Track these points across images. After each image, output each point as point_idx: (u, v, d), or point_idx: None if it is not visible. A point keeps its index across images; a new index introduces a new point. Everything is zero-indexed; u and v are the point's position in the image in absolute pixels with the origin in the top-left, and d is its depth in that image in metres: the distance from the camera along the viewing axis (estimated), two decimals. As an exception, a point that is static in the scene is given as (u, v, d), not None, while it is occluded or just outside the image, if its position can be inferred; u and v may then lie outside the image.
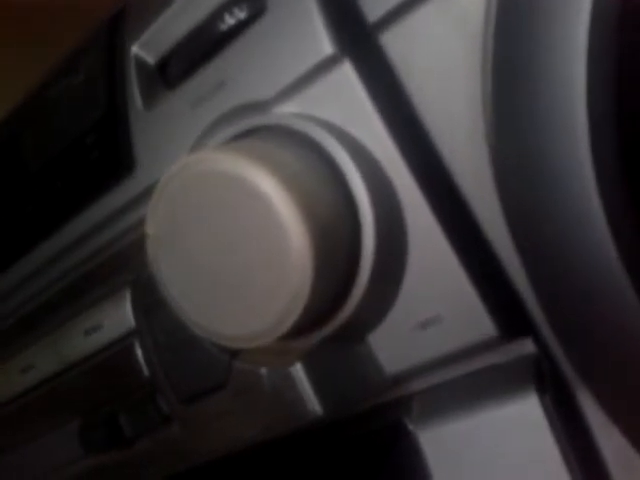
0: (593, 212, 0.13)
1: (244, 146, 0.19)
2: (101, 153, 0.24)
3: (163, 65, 0.23)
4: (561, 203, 0.14)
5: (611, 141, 0.13)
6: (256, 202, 0.17)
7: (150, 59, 0.23)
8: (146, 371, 0.22)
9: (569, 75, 0.13)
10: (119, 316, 0.23)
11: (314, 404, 0.19)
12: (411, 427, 0.20)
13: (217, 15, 0.22)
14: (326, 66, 0.19)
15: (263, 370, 0.20)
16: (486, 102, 0.16)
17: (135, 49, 0.23)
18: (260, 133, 0.20)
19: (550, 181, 0.14)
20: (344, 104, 0.19)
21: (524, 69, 0.14)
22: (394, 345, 0.20)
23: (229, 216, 0.17)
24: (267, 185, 0.17)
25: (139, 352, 0.22)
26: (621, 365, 0.15)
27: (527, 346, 0.19)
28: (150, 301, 0.22)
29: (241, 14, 0.21)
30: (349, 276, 0.18)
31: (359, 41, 0.18)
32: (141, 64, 0.23)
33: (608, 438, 0.17)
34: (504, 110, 0.15)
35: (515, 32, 0.14)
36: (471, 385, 0.20)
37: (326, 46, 0.19)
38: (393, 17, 0.17)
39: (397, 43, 0.18)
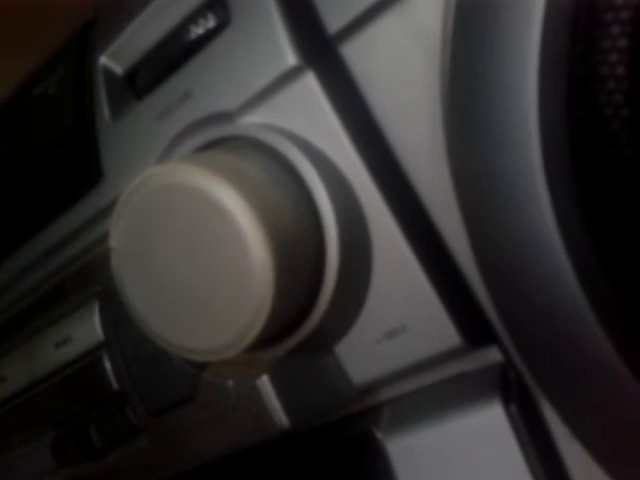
0: (546, 227, 0.13)
1: (207, 158, 0.18)
2: (70, 164, 0.24)
3: (131, 76, 0.23)
4: (514, 218, 0.14)
5: (564, 155, 0.13)
6: (217, 215, 0.17)
7: (118, 70, 0.23)
8: (115, 384, 0.22)
9: (521, 89, 0.13)
10: (88, 329, 0.23)
11: (281, 416, 0.19)
12: (379, 436, 0.20)
13: (183, 26, 0.21)
14: (290, 77, 0.19)
15: (230, 383, 0.20)
16: (444, 114, 0.16)
17: (103, 59, 0.23)
18: (225, 144, 0.20)
19: (504, 197, 0.14)
20: (308, 115, 0.19)
21: (478, 82, 0.14)
22: (361, 355, 0.20)
23: (191, 229, 0.17)
24: (228, 198, 0.17)
25: (108, 365, 0.22)
26: (573, 377, 0.15)
27: (493, 355, 0.19)
28: (118, 314, 0.22)
29: (207, 24, 0.21)
30: (314, 287, 0.18)
31: (321, 52, 0.18)
32: (109, 75, 0.23)
33: (571, 447, 0.17)
34: (460, 123, 0.15)
35: (470, 45, 0.14)
36: (438, 394, 0.20)
37: (289, 57, 0.19)
38: (353, 29, 0.18)
39: (358, 54, 0.18)
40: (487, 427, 0.18)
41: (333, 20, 0.18)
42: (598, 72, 0.13)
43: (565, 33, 0.13)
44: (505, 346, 0.18)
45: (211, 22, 0.21)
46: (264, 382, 0.19)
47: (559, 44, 0.13)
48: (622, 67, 0.13)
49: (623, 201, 0.14)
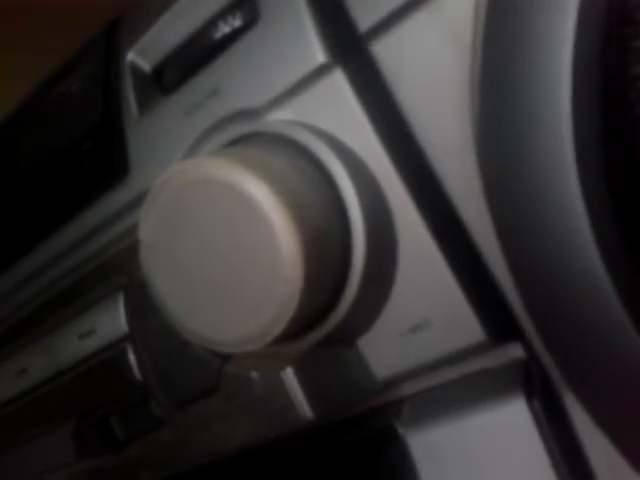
0: (578, 225, 0.14)
1: (236, 153, 0.19)
2: (96, 159, 0.24)
3: (158, 72, 0.23)
4: (545, 218, 0.14)
5: (597, 154, 0.14)
6: (247, 209, 0.17)
7: (146, 66, 0.24)
8: (139, 375, 0.23)
9: (554, 90, 0.13)
10: (112, 321, 0.23)
11: (305, 409, 0.19)
12: (401, 431, 0.20)
13: (211, 23, 0.22)
14: (318, 74, 0.19)
15: (254, 375, 0.20)
16: (474, 113, 0.16)
17: (131, 56, 0.24)
18: (253, 140, 0.20)
19: (534, 197, 0.14)
20: (336, 112, 0.19)
21: (509, 82, 0.14)
22: (384, 350, 0.20)
23: (221, 222, 0.17)
24: (258, 192, 0.17)
25: (132, 356, 0.23)
26: (601, 370, 0.15)
27: (516, 351, 0.19)
28: (143, 306, 0.22)
29: (235, 22, 0.21)
30: (340, 282, 0.19)
31: (351, 50, 0.19)
32: (137, 71, 0.24)
33: (593, 440, 0.17)
34: (489, 122, 0.15)
35: (501, 45, 0.15)
36: (461, 389, 0.20)
37: (318, 55, 0.19)
38: (383, 27, 0.18)
39: (387, 52, 0.18)
40: (510, 422, 0.18)
41: (363, 18, 0.18)
42: (630, 72, 0.13)
43: (598, 32, 0.14)
44: (529, 342, 0.18)
45: (239, 19, 0.21)
46: (289, 374, 0.19)
47: (592, 43, 0.14)
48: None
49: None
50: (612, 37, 0.14)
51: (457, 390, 0.20)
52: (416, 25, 0.17)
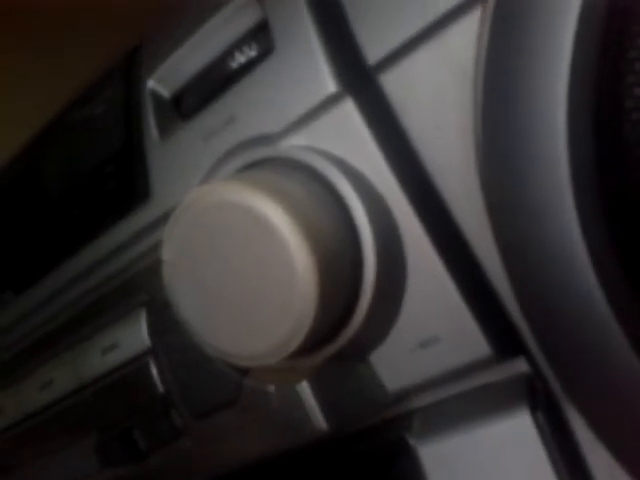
0: (575, 245, 0.15)
1: (253, 177, 0.20)
2: (118, 182, 0.25)
3: (178, 99, 0.25)
4: (545, 238, 0.15)
5: (592, 181, 0.14)
6: (264, 230, 0.18)
7: (165, 93, 0.25)
8: (161, 388, 0.24)
9: (550, 119, 0.14)
10: (135, 336, 0.24)
11: (320, 421, 0.20)
12: (412, 442, 0.21)
13: (228, 53, 0.23)
14: (330, 103, 0.20)
15: (271, 388, 0.21)
16: (476, 141, 0.17)
17: (151, 83, 0.25)
18: (267, 165, 0.21)
19: (535, 219, 0.15)
20: (347, 138, 0.20)
21: (509, 112, 0.15)
22: (395, 364, 0.21)
23: (239, 243, 0.19)
24: (274, 214, 0.18)
25: (154, 370, 0.24)
26: (600, 386, 0.16)
27: (520, 365, 0.20)
28: (165, 322, 0.23)
29: (251, 52, 0.23)
30: (352, 299, 0.20)
31: (360, 81, 0.20)
32: (157, 98, 0.25)
33: (595, 452, 0.18)
34: (491, 149, 0.16)
35: (501, 77, 0.16)
36: (469, 402, 0.21)
37: (330, 85, 0.20)
38: (391, 59, 0.19)
39: (395, 83, 0.19)
40: (516, 434, 0.19)
41: (372, 51, 0.19)
42: (625, 104, 0.14)
43: (593, 67, 0.14)
44: (532, 357, 0.19)
45: (255, 50, 0.22)
46: (304, 387, 0.20)
47: (587, 76, 0.14)
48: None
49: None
50: (607, 69, 0.15)
51: (465, 403, 0.21)
52: (422, 58, 0.18)
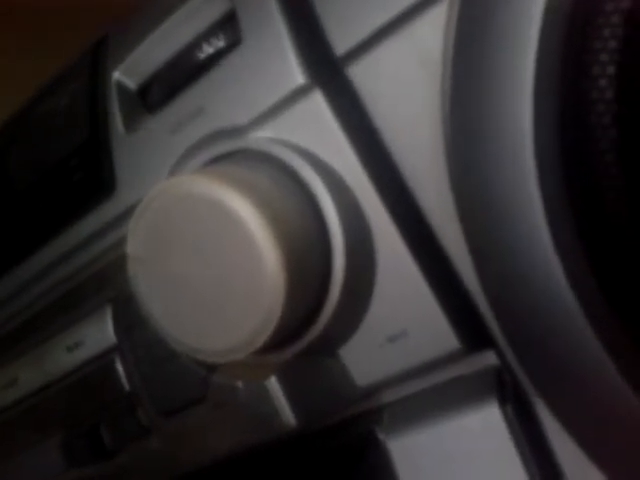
0: (542, 243, 0.15)
1: (220, 170, 0.20)
2: (84, 175, 0.25)
3: (144, 91, 0.24)
4: (512, 233, 0.15)
5: (559, 175, 0.15)
6: (231, 224, 0.18)
7: (131, 85, 0.24)
8: (127, 385, 0.23)
9: (517, 113, 0.14)
10: (101, 332, 0.24)
11: (288, 416, 0.20)
12: (382, 436, 0.21)
13: (196, 44, 0.23)
14: (298, 95, 0.20)
15: (239, 384, 0.20)
16: (445, 135, 0.17)
17: (117, 75, 0.24)
18: (236, 157, 0.21)
19: (502, 214, 0.15)
20: (315, 130, 0.20)
21: (476, 106, 0.15)
22: (364, 359, 0.21)
23: (206, 237, 0.18)
24: (242, 208, 0.18)
25: (120, 367, 0.23)
26: (569, 381, 0.16)
27: (490, 359, 0.20)
28: (131, 318, 0.23)
29: (218, 44, 0.22)
30: (321, 294, 0.19)
31: (329, 72, 0.19)
32: (123, 89, 0.24)
33: (563, 443, 0.18)
34: (459, 144, 0.16)
35: (468, 70, 0.16)
36: (438, 396, 0.21)
37: (298, 76, 0.20)
38: (359, 51, 0.19)
39: (363, 75, 0.19)
40: (484, 427, 0.19)
41: (340, 43, 0.19)
42: (588, 97, 0.14)
43: (558, 59, 0.14)
44: (501, 350, 0.19)
45: (223, 41, 0.22)
46: (272, 383, 0.20)
47: (552, 71, 0.14)
48: (610, 91, 0.15)
49: (612, 216, 0.15)
50: (572, 64, 0.15)
51: (435, 397, 0.21)
52: (389, 49, 0.18)
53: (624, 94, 0.14)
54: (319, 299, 0.19)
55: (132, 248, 0.19)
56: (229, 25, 0.22)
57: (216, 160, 0.21)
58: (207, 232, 0.18)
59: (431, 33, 0.17)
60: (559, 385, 0.16)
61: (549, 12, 0.14)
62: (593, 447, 0.16)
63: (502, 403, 0.19)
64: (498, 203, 0.15)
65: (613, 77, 0.14)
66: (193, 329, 0.19)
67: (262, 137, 0.21)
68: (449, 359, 0.20)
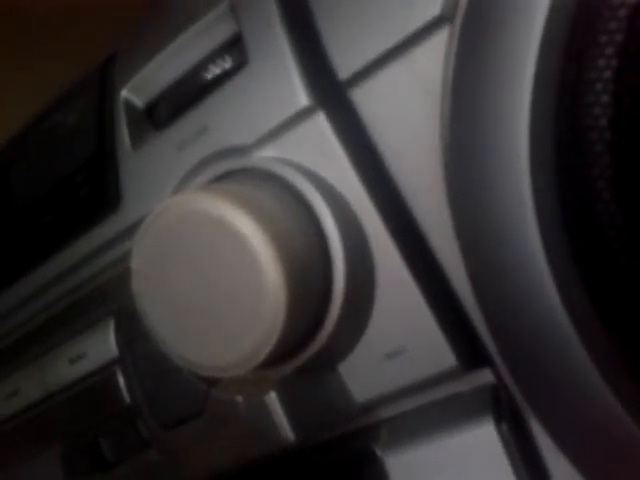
0: (537, 263, 0.15)
1: (224, 188, 0.20)
2: (90, 190, 0.25)
3: (151, 109, 0.25)
4: (509, 255, 0.16)
5: (554, 198, 0.15)
6: (234, 241, 0.18)
7: (139, 103, 0.25)
8: (127, 398, 0.23)
9: (513, 143, 0.15)
10: (103, 345, 0.24)
11: (287, 432, 0.20)
12: (379, 452, 0.21)
13: (202, 65, 0.23)
14: (302, 116, 0.20)
15: (239, 399, 0.21)
16: (445, 159, 0.17)
17: (125, 93, 0.25)
18: (240, 176, 0.21)
19: (499, 236, 0.16)
20: (318, 151, 0.20)
21: (474, 132, 0.16)
22: (363, 375, 0.21)
23: (209, 254, 0.19)
24: (245, 225, 0.18)
25: (121, 380, 0.24)
26: (562, 401, 0.16)
27: (486, 376, 0.20)
28: (133, 331, 0.23)
29: (224, 65, 0.23)
30: (321, 311, 0.20)
31: (332, 95, 0.20)
32: (130, 107, 0.25)
33: (558, 464, 0.18)
34: (458, 169, 0.16)
35: (467, 97, 0.16)
36: (435, 412, 0.21)
37: (302, 98, 0.20)
38: (362, 75, 0.19)
39: (366, 98, 0.19)
40: (480, 444, 0.19)
41: (343, 67, 0.19)
42: (582, 123, 0.15)
43: (554, 89, 0.15)
44: (497, 368, 0.20)
45: (229, 62, 0.23)
46: (272, 398, 0.20)
47: (548, 99, 0.15)
48: (605, 119, 0.15)
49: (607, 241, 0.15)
50: (567, 91, 0.15)
51: (432, 413, 0.21)
52: (391, 74, 0.19)
53: (617, 122, 0.15)
54: (319, 316, 0.20)
55: (136, 263, 0.20)
56: (235, 47, 0.22)
57: (220, 178, 0.22)
58: (210, 249, 0.19)
59: (432, 59, 0.18)
60: (553, 405, 0.16)
61: (546, 43, 0.15)
62: (586, 467, 0.16)
63: (498, 421, 0.19)
64: (494, 224, 0.16)
65: (607, 105, 0.15)
66: (194, 344, 0.19)
67: (266, 156, 0.21)
68: (446, 376, 0.20)
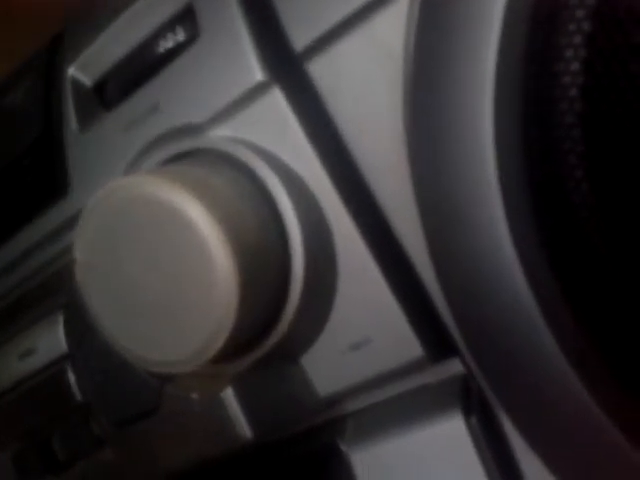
0: (503, 248, 0.14)
1: (172, 171, 0.19)
2: (36, 175, 0.24)
3: (100, 87, 0.23)
4: (473, 238, 0.15)
5: (518, 166, 0.14)
6: (182, 227, 0.17)
7: (87, 81, 0.23)
8: (79, 395, 0.22)
9: (477, 110, 0.14)
10: (52, 340, 0.23)
11: (244, 428, 0.19)
12: (344, 447, 0.20)
13: (153, 39, 0.22)
14: (257, 92, 0.19)
15: (194, 395, 0.20)
16: (407, 132, 0.16)
17: (72, 71, 0.23)
18: (192, 156, 0.20)
19: (463, 217, 0.14)
20: (275, 129, 0.19)
21: (436, 102, 0.15)
22: (326, 367, 0.20)
23: (156, 241, 0.17)
24: (192, 210, 0.17)
25: (72, 376, 0.22)
26: (530, 392, 0.15)
27: (455, 367, 0.19)
28: (83, 325, 0.22)
29: (176, 38, 0.21)
30: (279, 299, 0.19)
31: (288, 69, 0.19)
32: (78, 86, 0.23)
33: (528, 457, 0.17)
34: (420, 142, 0.15)
35: (429, 65, 0.15)
36: (402, 406, 0.20)
37: (257, 73, 0.19)
38: (318, 47, 0.18)
39: (323, 71, 0.18)
40: (448, 437, 0.19)
41: (299, 38, 0.18)
42: (551, 93, 0.14)
43: (520, 56, 0.14)
44: (466, 359, 0.19)
45: (180, 36, 0.21)
46: (228, 395, 0.19)
47: (514, 67, 0.14)
48: (575, 88, 0.14)
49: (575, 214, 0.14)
50: (534, 60, 0.14)
51: (399, 406, 0.20)
52: (349, 45, 0.17)
53: (589, 92, 0.14)
54: (278, 305, 0.19)
55: (80, 252, 0.18)
56: (187, 19, 0.21)
57: (172, 160, 0.20)
58: (158, 235, 0.17)
59: (392, 29, 0.17)
60: (519, 395, 0.15)
61: (511, 7, 0.14)
62: (556, 463, 0.16)
63: (467, 413, 0.18)
64: (459, 210, 0.15)
65: (577, 74, 0.14)
66: (143, 338, 0.18)
67: (220, 136, 0.20)
68: (413, 367, 0.19)
